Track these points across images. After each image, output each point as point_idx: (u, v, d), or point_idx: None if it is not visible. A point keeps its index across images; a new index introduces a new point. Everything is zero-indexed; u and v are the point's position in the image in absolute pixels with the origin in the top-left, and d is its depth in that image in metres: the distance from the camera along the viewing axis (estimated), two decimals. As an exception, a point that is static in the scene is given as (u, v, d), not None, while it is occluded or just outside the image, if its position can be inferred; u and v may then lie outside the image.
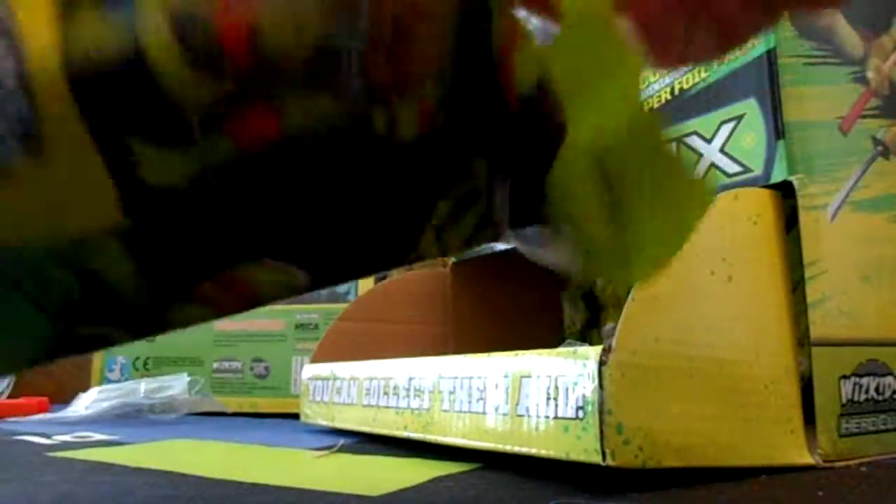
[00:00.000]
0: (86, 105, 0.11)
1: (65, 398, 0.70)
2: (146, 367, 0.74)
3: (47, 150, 0.11)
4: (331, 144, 0.12)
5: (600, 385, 0.26)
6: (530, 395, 0.30)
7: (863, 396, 0.33)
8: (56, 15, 0.11)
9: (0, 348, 0.14)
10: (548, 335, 0.63)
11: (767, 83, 0.34)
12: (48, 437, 0.49)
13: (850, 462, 0.32)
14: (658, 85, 0.42)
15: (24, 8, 0.11)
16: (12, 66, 0.11)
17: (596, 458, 0.26)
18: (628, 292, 0.28)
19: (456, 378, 0.36)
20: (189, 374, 0.69)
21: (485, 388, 0.33)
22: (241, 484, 0.30)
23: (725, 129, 0.36)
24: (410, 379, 0.40)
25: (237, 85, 0.11)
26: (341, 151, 0.13)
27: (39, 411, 0.69)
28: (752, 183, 0.35)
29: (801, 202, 0.33)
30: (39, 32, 0.10)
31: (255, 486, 0.29)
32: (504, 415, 0.31)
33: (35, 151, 0.11)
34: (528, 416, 0.30)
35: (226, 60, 0.11)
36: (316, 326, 0.70)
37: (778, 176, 0.34)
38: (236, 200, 0.12)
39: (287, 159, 0.12)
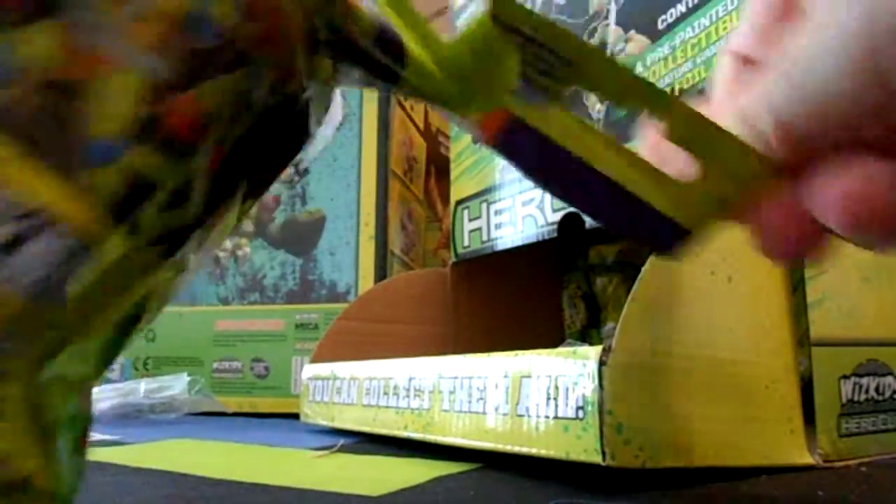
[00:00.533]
0: (116, 216, 0.14)
1: (65, 398, 0.70)
2: (146, 367, 0.74)
3: (104, 259, 0.15)
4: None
5: (600, 385, 0.26)
6: (530, 395, 0.30)
7: (863, 396, 0.33)
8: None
9: None
10: (548, 335, 0.63)
11: (767, 83, 0.34)
12: (48, 437, 0.49)
13: (850, 462, 0.32)
14: (658, 85, 0.42)
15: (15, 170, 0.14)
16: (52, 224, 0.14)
17: (596, 458, 0.26)
18: (628, 292, 0.28)
19: (456, 378, 0.36)
20: (189, 374, 0.69)
21: (485, 388, 0.33)
22: (241, 484, 0.30)
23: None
24: (410, 379, 0.40)
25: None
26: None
27: (39, 411, 0.69)
28: (752, 183, 0.35)
29: (801, 202, 0.33)
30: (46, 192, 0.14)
31: (255, 486, 0.29)
32: (504, 415, 0.31)
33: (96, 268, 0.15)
34: (528, 416, 0.30)
35: (187, 144, 0.15)
36: (316, 326, 0.70)
37: (778, 176, 0.34)
38: (215, 201, 0.17)
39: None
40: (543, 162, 0.17)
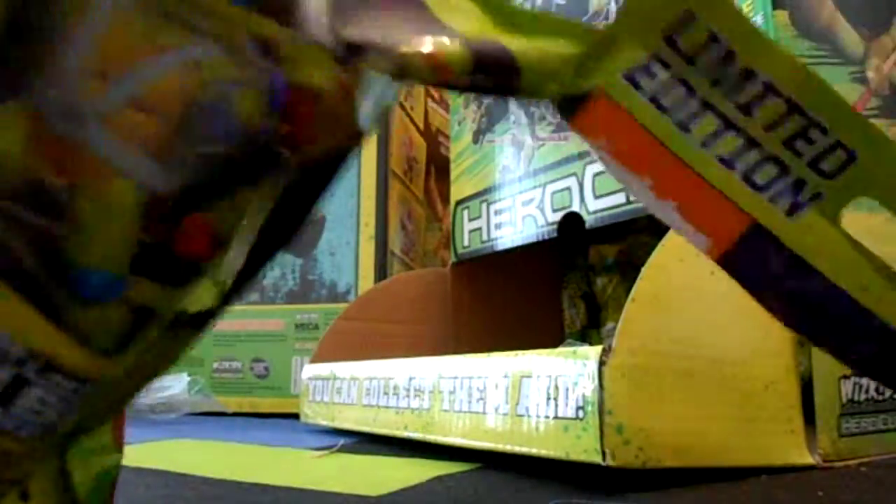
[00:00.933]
0: (118, 349, 0.12)
1: (65, 398, 0.70)
2: (146, 367, 0.74)
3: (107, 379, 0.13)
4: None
5: (600, 385, 0.26)
6: (530, 395, 0.30)
7: (863, 396, 0.33)
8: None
9: None
10: (548, 335, 0.63)
11: (767, 83, 0.34)
12: (48, 437, 0.49)
13: (850, 462, 0.32)
14: (658, 85, 0.42)
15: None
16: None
17: (596, 458, 0.26)
18: (628, 292, 0.28)
19: (456, 378, 0.36)
20: (189, 374, 0.69)
21: (485, 388, 0.33)
22: (240, 484, 0.30)
23: None
24: (410, 379, 0.40)
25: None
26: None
27: (39, 411, 0.69)
28: (752, 183, 0.35)
29: (801, 202, 0.33)
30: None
31: (255, 486, 0.29)
32: (504, 415, 0.31)
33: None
34: (528, 416, 0.30)
35: (198, 266, 0.12)
36: (316, 326, 0.70)
37: (778, 176, 0.34)
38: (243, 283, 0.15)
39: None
40: (787, 281, 0.14)
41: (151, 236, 0.11)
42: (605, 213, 0.45)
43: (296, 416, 0.56)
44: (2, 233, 0.11)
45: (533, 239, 0.52)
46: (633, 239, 0.60)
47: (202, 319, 0.14)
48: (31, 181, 0.10)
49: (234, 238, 0.12)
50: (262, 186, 0.12)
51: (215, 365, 0.72)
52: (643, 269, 0.29)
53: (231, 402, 0.70)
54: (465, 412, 0.34)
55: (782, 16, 0.35)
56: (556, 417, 0.28)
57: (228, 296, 0.14)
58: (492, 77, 0.14)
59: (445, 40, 0.14)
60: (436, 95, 0.90)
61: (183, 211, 0.11)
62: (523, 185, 0.53)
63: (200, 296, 0.13)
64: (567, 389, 0.28)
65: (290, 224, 0.14)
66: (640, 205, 0.42)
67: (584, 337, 0.64)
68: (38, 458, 0.13)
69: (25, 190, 0.10)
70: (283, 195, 0.13)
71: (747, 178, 0.14)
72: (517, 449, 0.30)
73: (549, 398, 0.29)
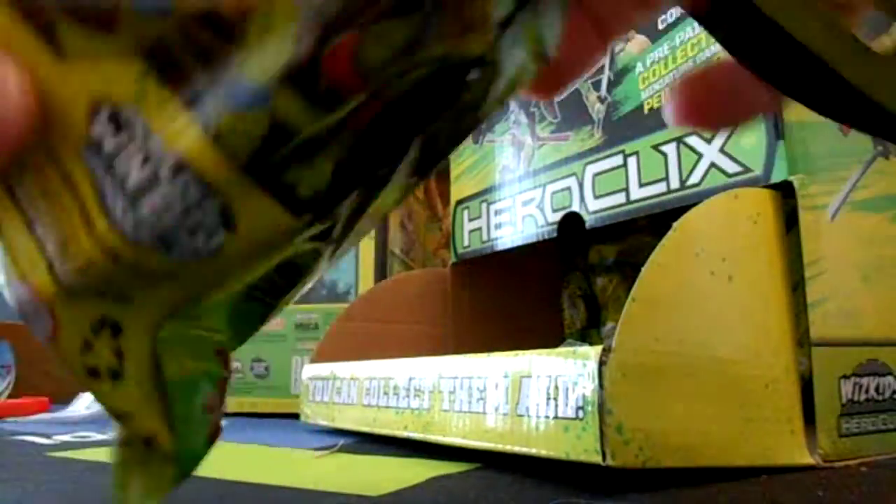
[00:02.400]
0: (250, 168, 0.13)
1: (65, 398, 0.70)
2: (146, 367, 0.74)
3: (237, 215, 0.13)
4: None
5: (600, 385, 0.26)
6: (530, 395, 0.30)
7: (863, 396, 0.33)
8: (183, 106, 0.12)
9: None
10: (548, 335, 0.63)
11: (767, 83, 0.34)
12: (48, 437, 0.49)
13: (850, 462, 0.32)
14: (658, 84, 0.42)
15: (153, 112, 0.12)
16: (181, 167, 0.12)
17: (596, 458, 0.26)
18: (628, 292, 0.28)
19: (456, 378, 0.36)
20: (189, 374, 0.68)
21: (485, 388, 0.33)
22: (241, 484, 0.30)
23: (725, 129, 0.36)
24: (410, 379, 0.40)
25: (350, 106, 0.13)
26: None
27: (39, 411, 0.69)
28: (752, 183, 0.35)
29: (801, 202, 0.33)
30: (181, 134, 0.12)
31: (255, 486, 0.29)
32: (504, 415, 0.31)
33: (230, 225, 0.13)
34: (528, 416, 0.30)
35: (340, 95, 0.13)
36: (316, 326, 0.70)
37: (778, 176, 0.34)
38: (360, 165, 0.14)
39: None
40: (752, 38, 0.16)
41: (308, 51, 0.12)
42: (605, 213, 0.45)
43: (296, 416, 0.56)
44: (180, 47, 0.12)
45: (533, 239, 0.52)
46: (633, 239, 0.60)
47: (316, 208, 0.14)
48: (208, 10, 0.12)
49: (371, 77, 0.13)
50: (408, 22, 0.12)
51: (215, 365, 0.72)
52: (643, 269, 0.29)
53: (231, 402, 0.70)
54: (464, 412, 0.34)
55: (782, 16, 0.35)
56: (556, 417, 0.28)
57: (343, 185, 0.14)
58: None
59: None
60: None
61: (338, 30, 0.12)
62: (523, 185, 0.53)
63: (322, 169, 0.13)
64: (567, 389, 0.28)
65: (419, 127, 0.14)
66: (640, 205, 0.42)
67: (584, 337, 0.65)
68: (149, 289, 0.13)
69: (205, 15, 0.12)
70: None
71: None
72: (517, 449, 0.30)
73: (549, 398, 0.29)
